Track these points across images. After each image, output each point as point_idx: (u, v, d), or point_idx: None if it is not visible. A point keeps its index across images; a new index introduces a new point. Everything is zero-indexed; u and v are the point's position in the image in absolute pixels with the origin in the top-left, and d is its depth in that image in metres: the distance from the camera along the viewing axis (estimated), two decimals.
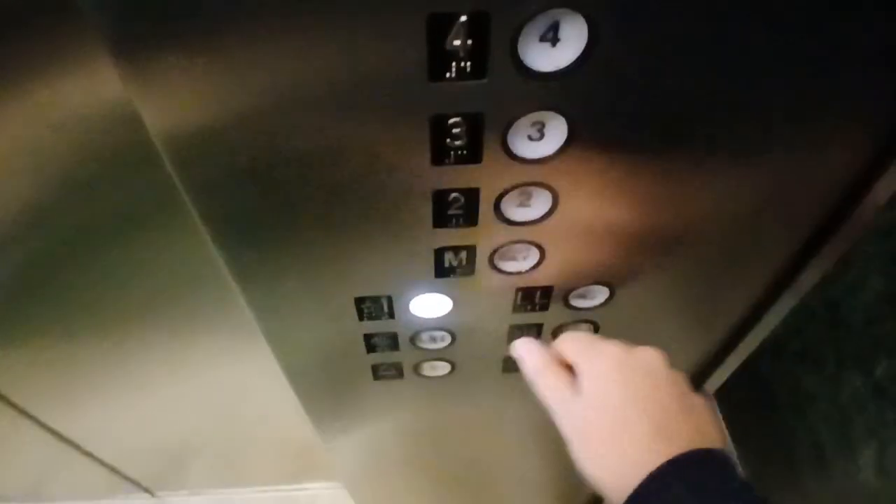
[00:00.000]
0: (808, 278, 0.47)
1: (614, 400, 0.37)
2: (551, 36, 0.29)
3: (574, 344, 0.41)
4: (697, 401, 0.39)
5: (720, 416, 0.40)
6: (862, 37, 0.31)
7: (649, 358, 0.39)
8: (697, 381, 0.64)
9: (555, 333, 0.53)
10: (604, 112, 0.33)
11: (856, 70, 0.33)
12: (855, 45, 0.31)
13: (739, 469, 0.35)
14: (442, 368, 0.57)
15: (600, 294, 0.48)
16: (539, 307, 0.49)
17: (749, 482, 0.33)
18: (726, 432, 0.39)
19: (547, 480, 0.96)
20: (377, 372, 0.57)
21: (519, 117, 0.32)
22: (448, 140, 0.33)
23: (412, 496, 1.00)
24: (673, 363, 0.41)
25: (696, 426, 0.36)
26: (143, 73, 0.29)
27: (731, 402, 0.61)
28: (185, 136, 0.32)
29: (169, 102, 0.31)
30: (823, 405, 0.47)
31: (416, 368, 0.57)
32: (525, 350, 0.43)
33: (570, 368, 0.40)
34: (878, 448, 0.42)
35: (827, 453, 0.48)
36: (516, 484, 0.96)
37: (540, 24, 0.28)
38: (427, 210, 0.38)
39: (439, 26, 0.28)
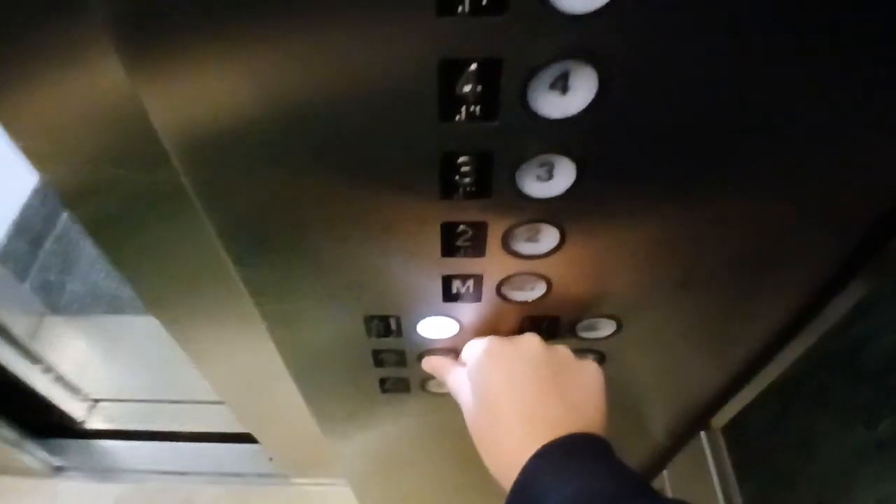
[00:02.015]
0: (823, 323, 0.47)
1: (491, 388, 0.38)
2: (561, 84, 0.29)
3: (468, 346, 0.44)
4: (578, 379, 0.39)
5: (604, 388, 0.39)
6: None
7: (526, 343, 0.40)
8: (705, 415, 0.63)
9: None
10: (612, 156, 0.33)
11: (858, 137, 0.33)
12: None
13: (613, 451, 0.35)
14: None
15: (607, 326, 0.48)
16: (546, 335, 0.49)
17: (624, 464, 0.33)
18: (604, 408, 0.38)
19: None
20: (384, 385, 0.58)
21: (528, 158, 0.33)
22: (457, 177, 0.34)
23: (416, 498, 1.01)
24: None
25: (572, 408, 0.37)
26: (155, 88, 0.29)
27: (738, 440, 0.61)
28: (189, 135, 0.32)
29: (183, 118, 0.31)
30: (827, 453, 0.46)
31: (423, 384, 0.58)
32: (433, 363, 0.48)
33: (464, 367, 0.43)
34: (879, 501, 0.42)
35: (828, 501, 0.47)
36: None
37: (551, 72, 0.29)
38: (436, 240, 0.39)
39: (451, 72, 0.28)
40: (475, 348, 0.43)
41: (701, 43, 0.27)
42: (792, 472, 0.50)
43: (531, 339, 0.42)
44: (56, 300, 1.78)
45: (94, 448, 1.47)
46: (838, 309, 0.44)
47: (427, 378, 0.57)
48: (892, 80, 0.30)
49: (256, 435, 1.15)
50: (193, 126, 0.32)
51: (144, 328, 1.66)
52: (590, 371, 0.41)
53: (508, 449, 0.36)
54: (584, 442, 0.35)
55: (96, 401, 1.54)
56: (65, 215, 1.98)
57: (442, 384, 0.47)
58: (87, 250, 1.88)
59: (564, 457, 0.34)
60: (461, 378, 0.43)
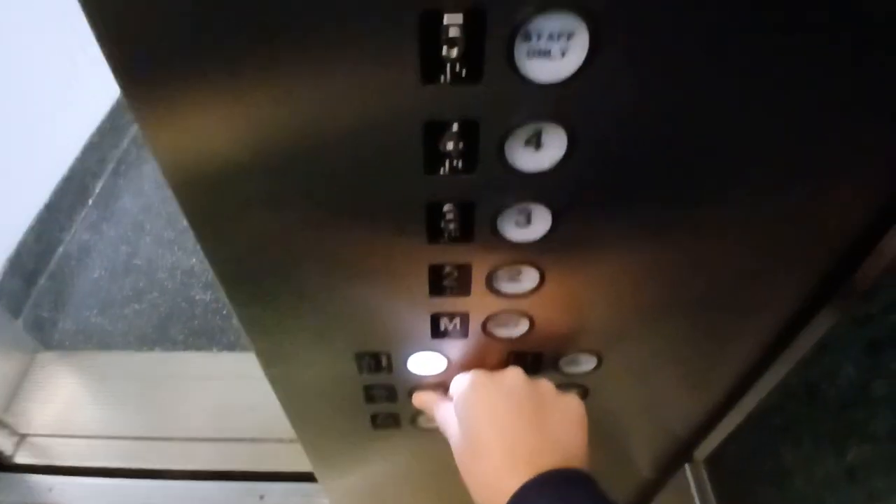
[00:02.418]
0: (790, 356, 0.49)
1: (475, 421, 0.40)
2: (535, 141, 0.32)
3: (454, 381, 0.45)
4: (560, 413, 0.40)
5: (587, 427, 0.40)
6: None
7: (509, 377, 0.42)
8: (688, 448, 0.65)
9: None
10: (584, 204, 0.36)
11: (842, 157, 0.35)
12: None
13: (596, 484, 0.36)
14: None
15: (589, 361, 0.51)
16: (531, 370, 0.52)
17: (608, 498, 0.34)
18: (585, 442, 0.40)
19: None
20: (376, 421, 0.60)
21: (507, 207, 0.36)
22: (442, 224, 0.37)
23: None
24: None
25: (554, 442, 0.38)
26: (159, 132, 0.31)
27: (719, 472, 0.62)
28: (187, 167, 0.34)
29: (184, 161, 0.33)
30: (800, 483, 0.48)
31: (413, 420, 0.60)
32: (421, 399, 0.49)
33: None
34: None
35: None
36: None
37: (524, 132, 0.32)
38: (424, 281, 0.41)
39: (434, 131, 0.31)
40: (461, 382, 0.45)
41: (656, 106, 0.31)
42: (767, 497, 0.52)
43: (514, 373, 0.43)
44: (48, 337, 1.78)
45: (85, 485, 1.45)
46: (804, 343, 0.47)
47: (417, 413, 0.59)
48: (838, 140, 0.33)
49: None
50: (193, 168, 0.34)
51: (135, 365, 1.66)
52: (572, 405, 0.42)
53: (492, 483, 0.37)
54: (567, 477, 0.36)
55: (87, 438, 1.53)
56: (59, 252, 1.99)
57: (431, 419, 0.49)
58: (80, 287, 1.89)
59: (548, 492, 0.35)
60: (449, 412, 0.45)
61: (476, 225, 0.37)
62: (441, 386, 0.52)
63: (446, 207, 0.36)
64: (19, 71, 1.80)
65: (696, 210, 0.38)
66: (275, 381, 0.55)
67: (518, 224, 0.37)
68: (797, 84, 0.30)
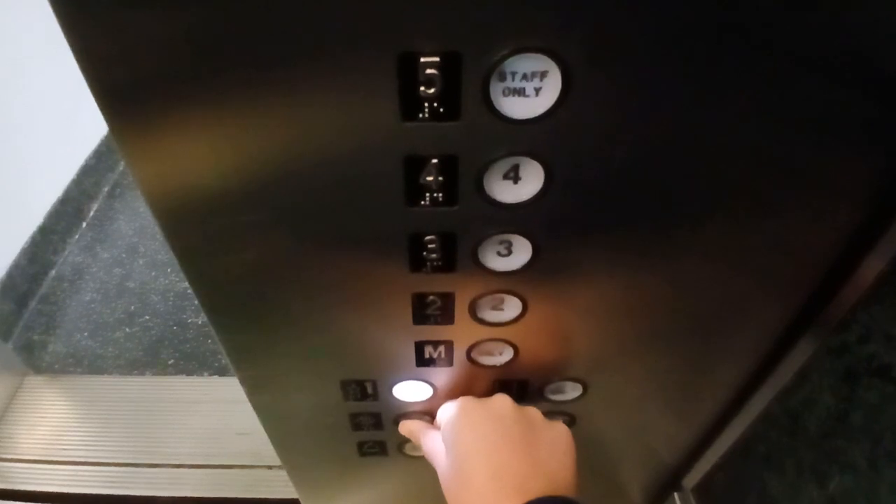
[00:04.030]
0: (772, 384, 0.50)
1: (462, 447, 0.40)
2: (513, 175, 0.33)
3: (443, 408, 0.45)
4: (546, 443, 0.40)
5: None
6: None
7: (498, 404, 0.42)
8: (677, 475, 0.65)
9: None
10: (564, 235, 0.37)
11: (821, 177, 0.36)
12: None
13: None
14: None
15: (574, 389, 0.51)
16: (517, 398, 0.52)
17: None
18: (573, 468, 0.40)
19: None
20: (362, 449, 0.60)
21: (487, 237, 0.36)
22: (425, 253, 0.37)
23: None
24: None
25: (543, 469, 0.38)
26: (142, 161, 0.32)
27: (708, 499, 0.62)
28: (177, 215, 0.35)
29: (166, 187, 0.33)
30: None
31: (400, 447, 0.60)
32: (409, 427, 0.49)
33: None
34: None
35: None
36: None
37: (502, 166, 0.32)
38: (408, 309, 0.42)
39: (414, 166, 0.32)
40: (448, 410, 0.45)
41: (629, 139, 0.32)
42: None
43: (502, 400, 0.43)
44: (38, 360, 1.77)
45: None
46: (784, 372, 0.47)
47: (404, 441, 0.59)
48: (814, 172, 0.34)
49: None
50: (176, 199, 0.34)
51: (125, 389, 1.65)
52: (559, 432, 0.42)
53: None
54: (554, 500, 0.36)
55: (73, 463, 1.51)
56: (52, 274, 1.99)
57: (418, 448, 0.49)
58: (72, 310, 1.88)
59: None
60: (435, 441, 0.45)
61: (458, 255, 0.37)
62: (427, 414, 0.52)
63: (428, 238, 0.36)
64: (16, 93, 1.82)
65: (673, 239, 0.38)
66: (259, 409, 0.55)
67: (499, 254, 0.38)
68: (769, 118, 0.31)
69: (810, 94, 0.30)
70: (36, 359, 1.78)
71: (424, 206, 0.34)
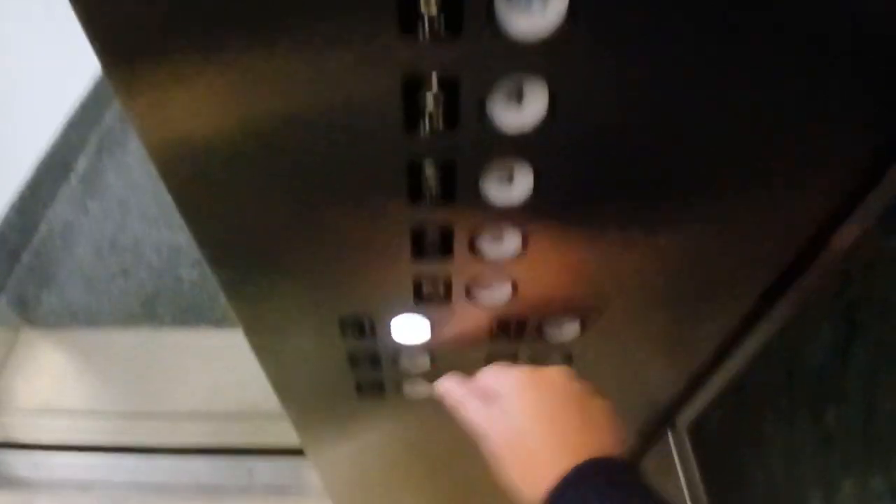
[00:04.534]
0: (771, 321, 0.50)
1: (525, 417, 0.41)
2: (517, 97, 0.32)
3: (489, 373, 0.45)
4: (598, 412, 0.42)
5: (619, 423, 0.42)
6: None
7: (555, 376, 0.43)
8: (671, 414, 0.66)
9: (532, 360, 0.55)
10: (567, 164, 0.36)
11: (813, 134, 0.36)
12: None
13: (639, 473, 0.38)
14: (423, 389, 0.60)
15: (572, 328, 0.51)
16: (515, 336, 0.52)
17: (646, 484, 0.37)
18: (624, 437, 0.42)
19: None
20: (360, 388, 0.60)
21: (489, 166, 0.35)
22: (423, 183, 0.36)
23: None
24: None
25: (597, 437, 0.40)
26: (136, 92, 0.31)
27: (701, 439, 0.63)
28: (172, 147, 0.35)
29: (161, 121, 0.33)
30: (779, 448, 0.49)
31: (398, 387, 0.60)
32: (445, 387, 0.47)
33: (488, 397, 0.44)
34: (826, 493, 0.44)
35: (781, 496, 0.50)
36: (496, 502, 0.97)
37: (506, 87, 0.31)
38: (406, 243, 0.41)
39: (414, 89, 0.31)
40: (504, 379, 0.44)
41: (635, 63, 0.30)
42: (748, 470, 0.53)
43: (560, 372, 0.44)
44: (33, 314, 1.77)
45: (71, 462, 1.45)
46: (783, 308, 0.47)
47: (401, 379, 0.59)
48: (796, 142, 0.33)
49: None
50: (177, 144, 0.34)
51: (122, 342, 1.65)
52: (606, 405, 0.44)
53: (541, 472, 0.38)
54: (616, 464, 0.38)
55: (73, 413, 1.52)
56: (43, 229, 1.97)
57: (455, 414, 0.47)
58: (65, 265, 1.87)
59: (600, 477, 0.37)
60: (481, 411, 0.43)
61: (458, 185, 0.37)
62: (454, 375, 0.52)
63: (427, 166, 0.35)
64: None
65: (679, 172, 0.38)
66: (258, 350, 0.55)
67: (501, 184, 0.37)
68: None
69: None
70: (31, 313, 1.77)
71: (424, 132, 0.33)
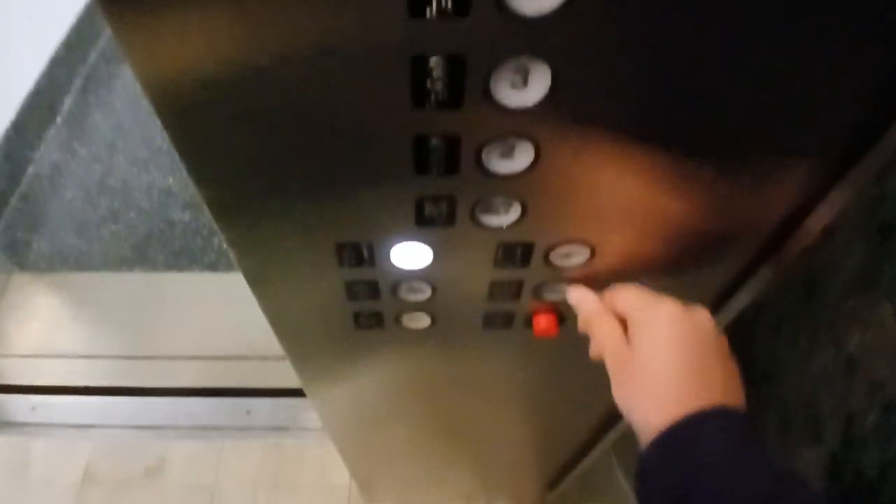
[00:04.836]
0: (791, 247, 0.47)
1: (666, 355, 0.41)
2: None
3: (632, 298, 0.45)
4: (734, 367, 0.42)
5: None
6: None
7: (703, 320, 0.43)
8: None
9: (536, 291, 0.53)
10: (587, 60, 0.32)
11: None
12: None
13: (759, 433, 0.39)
14: (423, 321, 0.58)
15: (581, 254, 0.48)
16: (520, 263, 0.49)
17: (764, 445, 0.37)
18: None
19: (525, 435, 0.98)
20: (358, 320, 0.58)
21: (501, 62, 0.32)
22: (428, 82, 0.33)
23: (395, 445, 1.02)
24: None
25: (733, 389, 0.40)
26: (129, 19, 0.29)
27: None
28: (171, 81, 0.33)
29: (156, 48, 0.31)
30: (793, 378, 0.47)
31: (398, 319, 0.58)
32: (580, 297, 0.49)
33: (620, 318, 0.44)
34: (844, 421, 0.43)
35: (796, 424, 0.48)
36: (494, 436, 0.97)
37: None
38: (408, 156, 0.38)
39: None
40: (654, 311, 0.43)
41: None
42: (762, 399, 0.52)
43: (705, 314, 0.43)
44: (23, 258, 1.74)
45: (68, 404, 1.45)
46: (808, 231, 0.45)
47: (401, 312, 0.57)
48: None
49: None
50: (175, 84, 0.33)
51: (116, 285, 1.63)
52: (735, 362, 0.43)
53: (670, 407, 0.38)
54: (743, 418, 0.38)
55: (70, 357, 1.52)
56: (30, 172, 1.91)
57: (584, 323, 0.48)
58: (54, 208, 1.83)
59: (722, 420, 0.37)
60: (618, 327, 0.44)
61: (467, 85, 0.33)
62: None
63: (433, 61, 0.32)
64: None
65: (709, 88, 0.34)
66: (252, 281, 0.52)
67: (514, 85, 0.33)
68: None
69: None
70: (21, 257, 1.74)
71: (430, 17, 0.29)
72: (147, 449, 1.37)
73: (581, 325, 0.47)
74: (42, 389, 1.48)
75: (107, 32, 1.72)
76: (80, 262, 1.71)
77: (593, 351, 0.46)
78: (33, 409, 1.46)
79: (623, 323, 0.44)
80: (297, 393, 0.98)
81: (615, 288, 0.46)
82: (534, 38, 0.31)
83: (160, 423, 1.39)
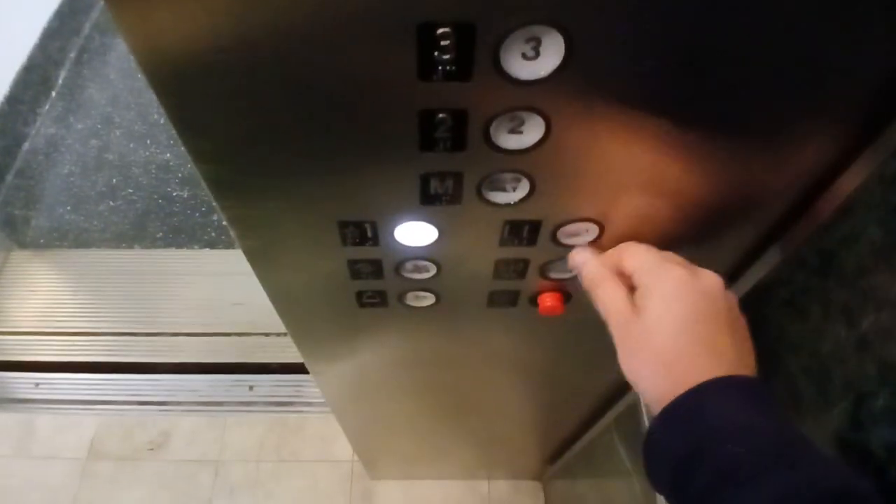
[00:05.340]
0: (805, 224, 0.46)
1: (674, 320, 0.39)
2: None
3: (638, 258, 0.43)
4: (744, 330, 0.41)
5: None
6: None
7: (711, 282, 0.41)
8: None
9: (542, 270, 0.52)
10: (606, 26, 0.31)
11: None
12: None
13: (775, 398, 0.37)
14: (426, 299, 0.57)
15: (589, 232, 0.47)
16: (527, 242, 0.48)
17: (779, 411, 0.36)
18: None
19: (527, 411, 0.99)
20: (361, 299, 0.57)
21: (512, 31, 0.30)
22: (436, 53, 0.31)
23: (397, 421, 1.03)
24: None
25: (744, 353, 0.39)
26: (131, 17, 0.29)
27: None
28: (166, 54, 0.32)
29: (151, 20, 0.30)
30: (804, 357, 0.46)
31: (401, 298, 0.57)
32: (582, 259, 0.46)
33: (626, 278, 0.42)
34: (853, 401, 0.42)
35: (804, 403, 0.48)
36: (496, 412, 0.98)
37: None
38: (413, 131, 0.37)
39: None
40: (660, 277, 0.41)
41: None
42: (768, 373, 0.51)
43: (714, 278, 0.42)
44: (21, 235, 1.73)
45: (71, 380, 1.45)
46: (823, 208, 0.44)
47: (404, 291, 0.56)
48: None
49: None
50: (172, 60, 0.32)
51: (115, 262, 1.62)
52: (746, 324, 0.42)
53: (679, 375, 0.37)
54: (749, 382, 0.37)
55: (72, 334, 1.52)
56: (26, 147, 1.89)
57: (585, 286, 0.45)
58: (51, 184, 1.81)
59: (735, 388, 0.36)
60: (623, 290, 0.42)
61: (475, 56, 0.32)
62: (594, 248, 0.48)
63: (440, 32, 0.30)
64: None
65: (725, 64, 0.33)
66: (252, 258, 0.51)
67: (525, 56, 0.32)
68: None
69: None
70: (19, 234, 1.73)
71: None
72: (151, 424, 1.38)
73: (585, 285, 0.45)
74: (45, 366, 1.48)
75: (100, 2, 1.68)
76: (79, 239, 1.70)
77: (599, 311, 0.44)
78: (37, 385, 1.47)
79: (628, 282, 0.42)
80: (299, 368, 0.98)
81: (622, 246, 0.44)
82: (548, 4, 0.29)
83: (164, 398, 1.39)
